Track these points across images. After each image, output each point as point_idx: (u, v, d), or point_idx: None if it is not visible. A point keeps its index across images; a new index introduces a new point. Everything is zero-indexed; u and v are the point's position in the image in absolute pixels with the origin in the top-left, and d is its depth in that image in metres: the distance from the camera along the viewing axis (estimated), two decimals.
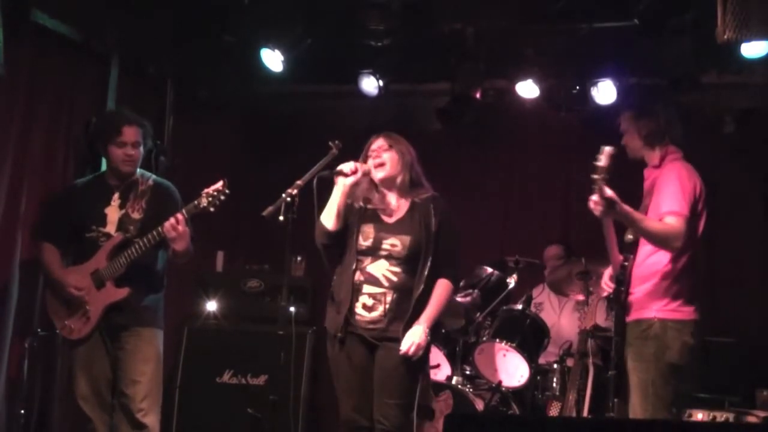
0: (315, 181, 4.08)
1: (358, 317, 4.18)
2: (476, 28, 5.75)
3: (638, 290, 4.18)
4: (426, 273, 4.18)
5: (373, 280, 4.18)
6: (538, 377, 5.64)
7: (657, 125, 4.32)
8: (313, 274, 6.50)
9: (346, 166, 4.19)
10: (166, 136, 6.17)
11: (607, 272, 4.41)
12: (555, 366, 5.62)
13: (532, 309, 5.88)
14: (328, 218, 4.22)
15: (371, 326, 4.17)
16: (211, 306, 6.26)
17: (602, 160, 3.80)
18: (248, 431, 5.76)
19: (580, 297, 5.44)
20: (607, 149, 3.81)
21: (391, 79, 6.09)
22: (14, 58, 4.77)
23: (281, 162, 6.21)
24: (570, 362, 5.47)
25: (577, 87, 5.95)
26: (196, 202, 4.44)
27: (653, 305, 4.14)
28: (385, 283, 4.17)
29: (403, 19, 5.62)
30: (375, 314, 4.17)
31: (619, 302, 4.20)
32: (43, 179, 5.19)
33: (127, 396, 4.56)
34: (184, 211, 4.47)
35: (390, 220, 4.27)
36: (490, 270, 5.81)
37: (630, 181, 4.32)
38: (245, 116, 6.93)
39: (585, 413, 5.14)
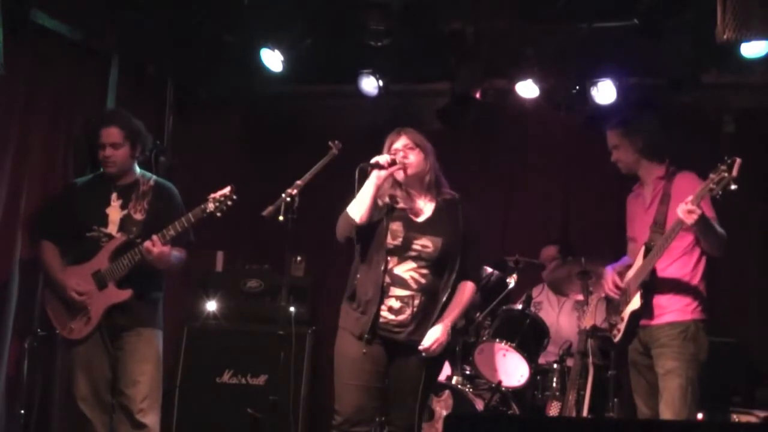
0: (357, 172, 4.05)
1: (382, 320, 4.07)
2: (476, 28, 5.75)
3: (670, 293, 4.28)
4: (453, 277, 4.11)
5: (402, 282, 4.07)
6: (538, 377, 5.63)
7: (650, 138, 4.49)
8: (313, 274, 6.51)
9: (383, 158, 4.08)
10: (166, 136, 6.17)
11: (610, 277, 4.49)
12: (555, 366, 5.61)
13: (532, 309, 5.88)
14: (357, 210, 4.06)
15: (398, 329, 4.08)
16: (211, 306, 6.26)
17: (735, 171, 3.83)
18: (248, 431, 5.76)
19: (580, 297, 5.43)
20: (738, 160, 3.85)
21: (391, 79, 6.09)
22: (14, 58, 4.77)
23: (281, 162, 6.21)
24: (570, 362, 5.46)
25: (577, 87, 5.95)
26: (203, 206, 4.43)
27: (689, 308, 4.29)
28: (414, 286, 4.07)
29: (403, 19, 5.62)
30: (402, 317, 4.06)
31: (647, 307, 4.27)
32: (43, 179, 5.19)
33: (127, 396, 4.56)
34: (191, 215, 4.46)
35: (418, 220, 4.16)
36: (490, 270, 5.80)
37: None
38: (245, 116, 6.92)
39: (585, 413, 5.14)
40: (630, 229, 4.69)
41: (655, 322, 4.29)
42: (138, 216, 4.61)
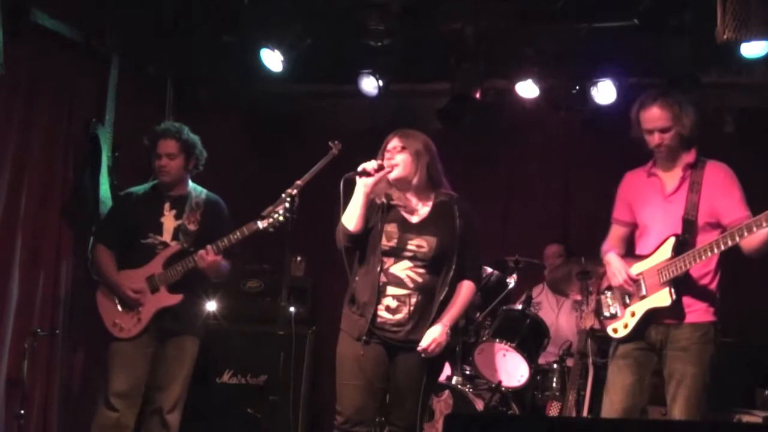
0: (342, 183, 4.02)
1: (380, 320, 4.07)
2: (476, 28, 5.75)
3: (693, 292, 4.07)
4: (450, 275, 4.10)
5: (398, 282, 4.07)
6: (538, 377, 5.64)
7: (696, 117, 4.20)
8: (313, 274, 6.51)
9: (369, 165, 4.08)
10: None
11: (624, 267, 4.19)
12: (555, 366, 5.61)
13: (531, 309, 5.88)
14: (350, 220, 4.10)
15: (395, 329, 4.07)
16: (211, 306, 6.25)
17: None
18: (248, 431, 5.76)
19: (579, 297, 5.43)
20: None
21: (391, 79, 6.09)
22: (14, 58, 4.78)
23: (281, 162, 6.21)
24: (570, 362, 5.46)
25: (577, 87, 5.95)
26: (259, 222, 4.43)
27: (710, 309, 4.09)
28: (410, 285, 4.07)
29: (403, 19, 5.62)
30: (399, 316, 4.06)
31: (675, 306, 4.05)
32: (43, 179, 5.20)
33: (161, 397, 4.76)
34: (245, 229, 4.58)
35: (413, 220, 4.15)
36: (489, 270, 5.79)
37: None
38: (245, 116, 6.92)
39: (585, 413, 5.14)
40: (627, 212, 4.33)
41: (676, 321, 4.07)
42: (192, 227, 4.80)
